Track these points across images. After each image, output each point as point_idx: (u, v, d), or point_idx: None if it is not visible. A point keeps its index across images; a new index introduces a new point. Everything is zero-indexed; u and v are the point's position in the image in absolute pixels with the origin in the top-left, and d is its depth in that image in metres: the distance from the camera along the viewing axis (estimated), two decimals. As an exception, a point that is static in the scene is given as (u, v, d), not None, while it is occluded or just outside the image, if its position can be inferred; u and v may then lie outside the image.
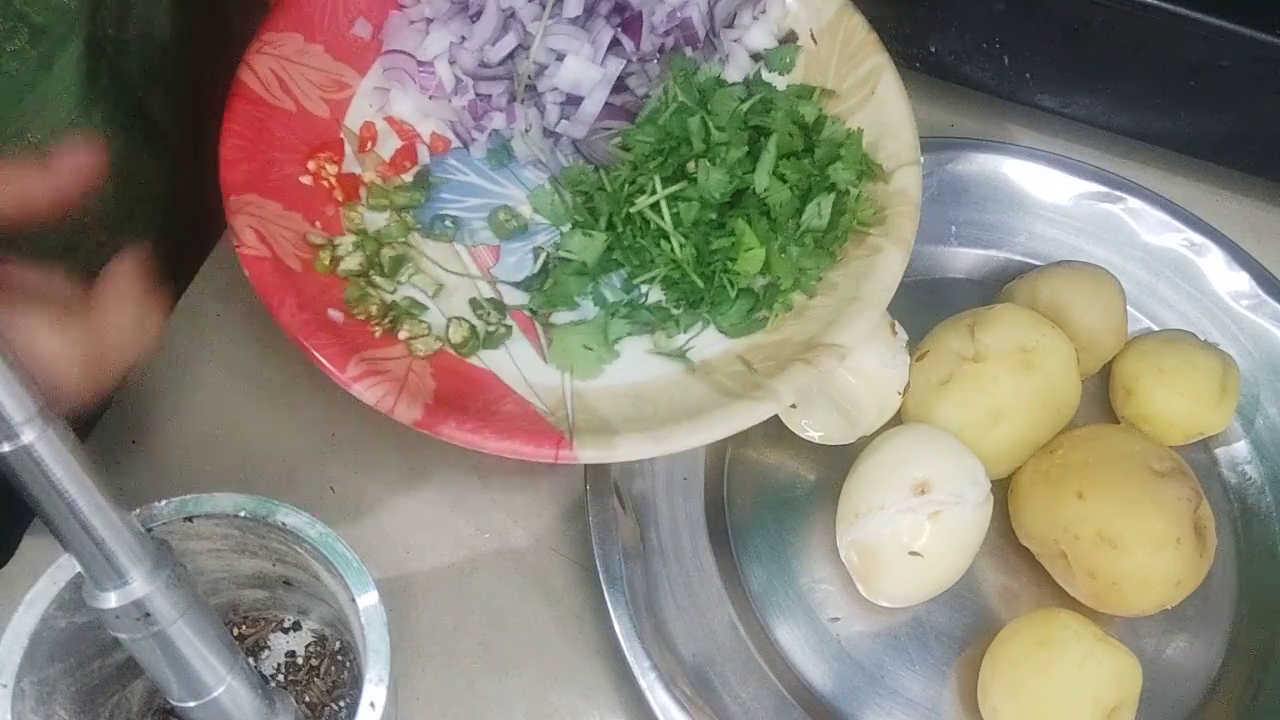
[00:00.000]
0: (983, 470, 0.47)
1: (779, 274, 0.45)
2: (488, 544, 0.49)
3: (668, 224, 0.46)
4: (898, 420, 0.51)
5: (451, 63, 0.50)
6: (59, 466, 0.28)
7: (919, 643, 0.48)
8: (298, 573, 0.40)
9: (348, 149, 0.49)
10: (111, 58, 0.47)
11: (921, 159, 0.48)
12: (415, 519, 0.49)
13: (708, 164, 0.46)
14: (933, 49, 0.58)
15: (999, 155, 0.58)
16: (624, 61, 0.49)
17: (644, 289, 0.47)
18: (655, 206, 0.46)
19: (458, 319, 0.46)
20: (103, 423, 0.49)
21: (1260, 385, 0.55)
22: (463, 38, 0.50)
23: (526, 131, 0.50)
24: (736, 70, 0.52)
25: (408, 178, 0.49)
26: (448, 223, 0.49)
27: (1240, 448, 0.54)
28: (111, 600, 0.31)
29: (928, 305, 0.54)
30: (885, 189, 0.48)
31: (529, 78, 0.50)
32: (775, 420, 0.51)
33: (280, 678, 0.42)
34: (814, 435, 0.51)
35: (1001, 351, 0.49)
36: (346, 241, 0.46)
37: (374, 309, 0.45)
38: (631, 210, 0.46)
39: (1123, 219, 0.58)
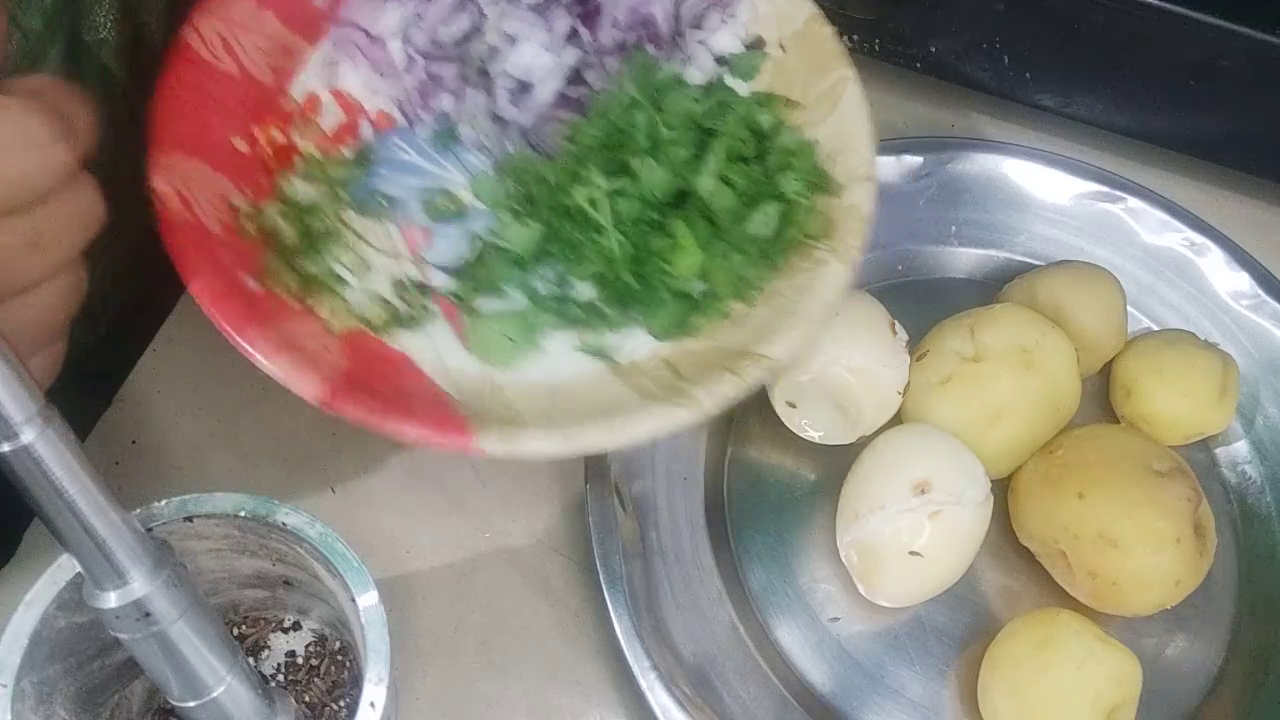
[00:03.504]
0: (983, 470, 0.47)
1: (717, 281, 0.45)
2: (488, 544, 0.49)
3: (606, 219, 0.45)
4: (897, 420, 0.51)
5: (404, 40, 0.49)
6: (59, 466, 0.28)
7: (919, 643, 0.48)
8: (298, 573, 0.40)
9: (290, 119, 0.48)
10: (99, 59, 0.47)
11: (877, 176, 0.47)
12: (415, 519, 0.49)
13: (651, 161, 0.45)
14: (933, 49, 0.59)
15: (999, 155, 0.58)
16: (580, 52, 0.49)
17: (576, 285, 0.46)
18: (594, 201, 0.45)
19: (378, 298, 0.44)
20: (103, 423, 0.49)
21: (1260, 385, 0.55)
22: (418, 15, 0.49)
23: (475, 116, 0.49)
24: (699, 72, 0.51)
25: (348, 153, 0.48)
26: (382, 200, 0.47)
27: (1240, 448, 0.54)
28: (111, 600, 0.31)
29: (928, 305, 0.54)
30: (837, 204, 0.46)
31: (481, 61, 0.49)
32: (775, 420, 0.51)
33: (280, 678, 0.42)
34: (814, 435, 0.51)
35: (1001, 351, 0.49)
36: (273, 210, 0.45)
37: (293, 282, 0.43)
38: (569, 203, 0.45)
39: (1123, 219, 0.58)
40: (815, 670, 0.47)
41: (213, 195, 0.43)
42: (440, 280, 0.46)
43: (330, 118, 0.49)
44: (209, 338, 0.52)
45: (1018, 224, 0.58)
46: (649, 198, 0.45)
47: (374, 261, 0.46)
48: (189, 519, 0.36)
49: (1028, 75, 0.58)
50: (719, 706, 0.44)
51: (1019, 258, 0.57)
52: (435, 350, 0.44)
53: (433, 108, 0.49)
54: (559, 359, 0.44)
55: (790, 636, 0.48)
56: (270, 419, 0.50)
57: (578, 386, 0.43)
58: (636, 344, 0.45)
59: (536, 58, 0.48)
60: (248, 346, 0.40)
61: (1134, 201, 0.57)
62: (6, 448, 0.28)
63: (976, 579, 0.50)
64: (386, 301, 0.45)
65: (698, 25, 0.51)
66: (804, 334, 0.43)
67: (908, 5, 0.56)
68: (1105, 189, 0.58)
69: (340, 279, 0.44)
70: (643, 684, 0.43)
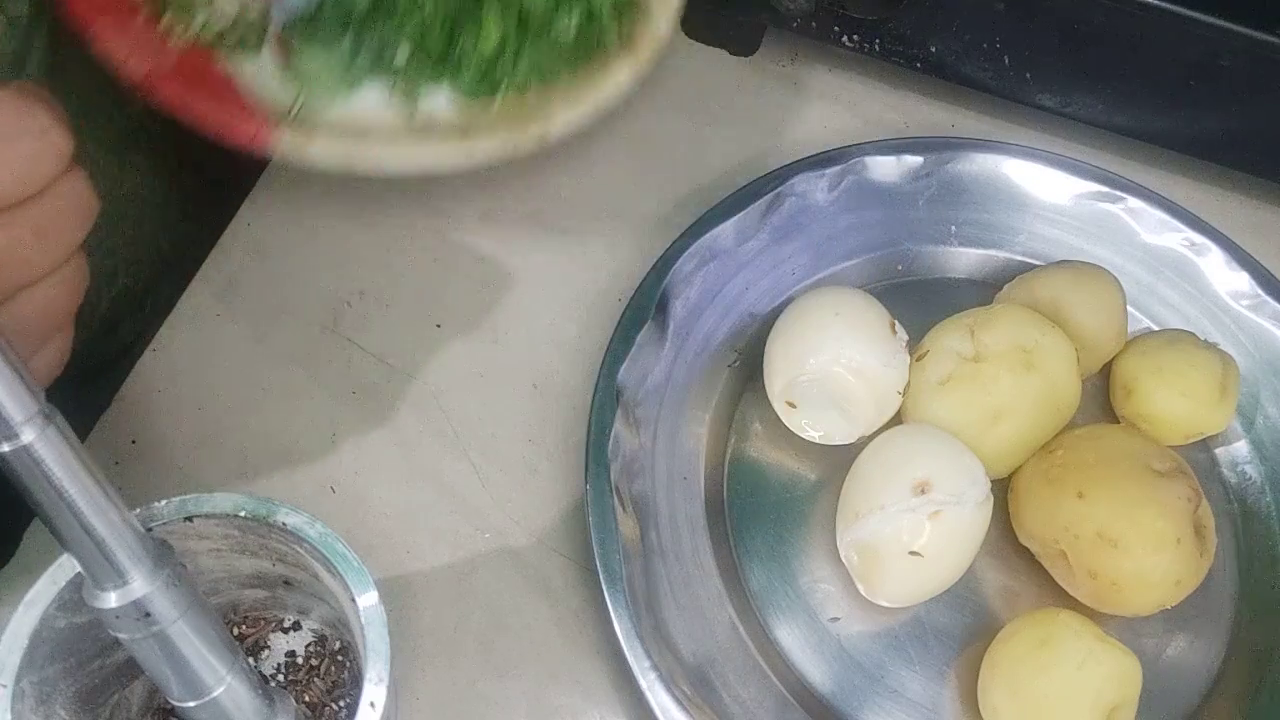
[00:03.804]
0: (983, 470, 0.47)
1: (518, 63, 0.50)
2: (488, 544, 0.49)
3: None
4: (898, 420, 0.51)
5: None
6: (59, 466, 0.28)
7: (919, 643, 0.48)
8: (298, 573, 0.40)
9: None
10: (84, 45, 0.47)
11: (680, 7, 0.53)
12: (415, 519, 0.49)
13: None
14: (933, 49, 0.58)
15: (999, 155, 0.58)
16: None
17: (397, 51, 0.50)
18: None
19: (217, 16, 0.48)
20: (103, 423, 0.49)
21: (1260, 385, 0.55)
22: None
23: None
24: None
25: None
26: None
27: (1240, 448, 0.54)
28: (111, 600, 0.31)
29: (928, 305, 0.54)
30: (642, 21, 0.52)
31: None
32: (775, 420, 0.51)
33: (280, 678, 0.42)
34: (814, 435, 0.51)
35: (1001, 351, 0.49)
36: None
37: None
38: None
39: (1123, 219, 0.58)
40: (815, 670, 0.47)
41: None
42: (280, 19, 0.50)
43: None
44: (209, 338, 0.52)
45: (1018, 224, 0.58)
46: None
47: None
48: (189, 519, 0.36)
49: (1028, 75, 0.58)
50: (719, 706, 0.44)
51: (1019, 258, 0.57)
52: (258, 75, 0.49)
53: None
54: (367, 101, 0.49)
55: (790, 636, 0.48)
56: (270, 419, 0.50)
57: (375, 123, 0.49)
58: (439, 102, 0.50)
59: None
60: (90, 27, 0.45)
61: (1134, 201, 0.57)
62: (6, 448, 0.28)
63: (976, 579, 0.50)
64: (225, 22, 0.49)
65: None
66: (582, 115, 0.50)
67: (908, 5, 0.56)
68: (1105, 189, 0.58)
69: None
70: (643, 684, 0.43)
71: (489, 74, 0.50)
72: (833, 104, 0.63)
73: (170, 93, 0.45)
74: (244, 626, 0.43)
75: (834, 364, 0.48)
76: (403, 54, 0.50)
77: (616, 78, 0.50)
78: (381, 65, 0.50)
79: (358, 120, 0.49)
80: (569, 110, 0.49)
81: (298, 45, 0.50)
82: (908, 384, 0.50)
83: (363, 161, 0.47)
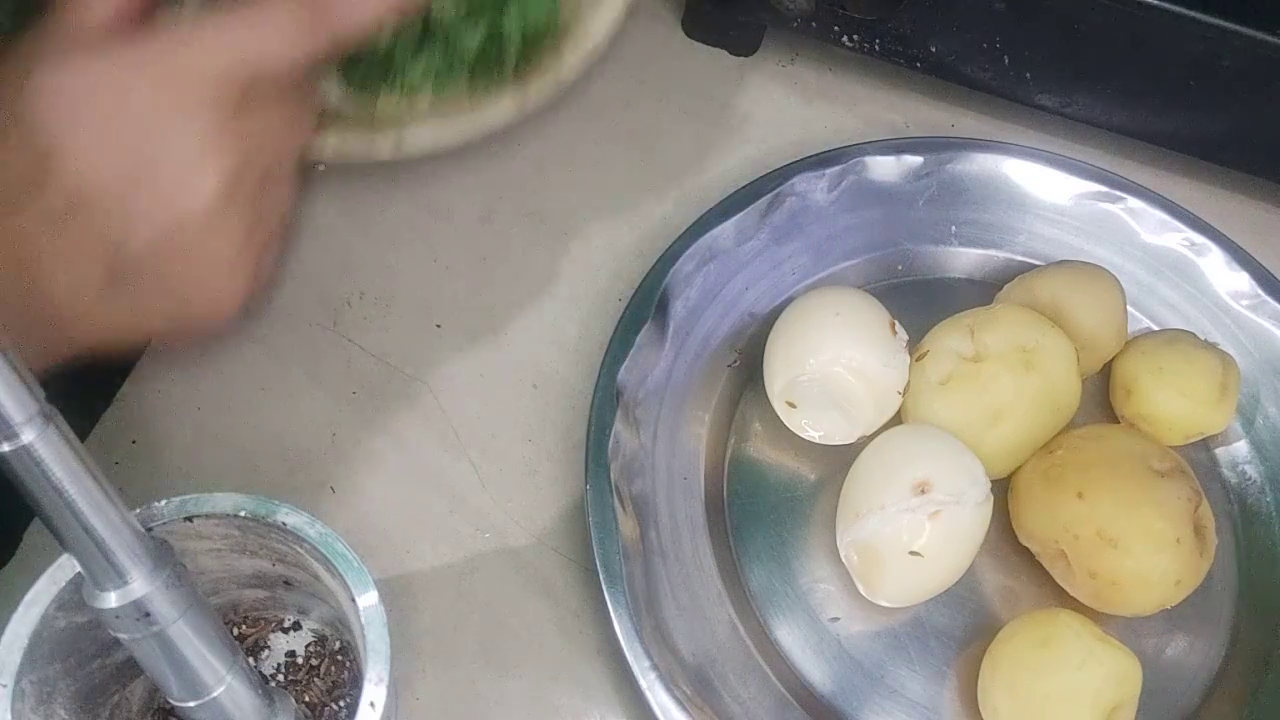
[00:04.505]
0: (983, 470, 0.47)
1: (412, 70, 0.49)
2: (488, 544, 0.49)
3: None
4: (897, 420, 0.51)
5: None
6: (59, 466, 0.28)
7: (919, 643, 0.48)
8: (298, 573, 0.40)
9: None
10: None
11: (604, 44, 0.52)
12: (415, 519, 0.49)
13: None
14: (933, 49, 0.58)
15: (999, 155, 0.58)
16: None
17: None
18: None
19: None
20: (103, 423, 0.49)
21: (1260, 385, 0.55)
22: None
23: None
24: None
25: None
26: None
27: (1240, 448, 0.54)
28: (111, 600, 0.31)
29: (928, 305, 0.54)
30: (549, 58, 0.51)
31: None
32: (775, 420, 0.51)
33: (280, 678, 0.42)
34: (814, 435, 0.51)
35: (1001, 351, 0.49)
36: None
37: None
38: None
39: (1123, 219, 0.58)
40: (815, 670, 0.47)
41: None
42: None
43: None
44: (209, 338, 0.52)
45: (1018, 224, 0.58)
46: None
47: None
48: (189, 519, 0.36)
49: (1028, 75, 0.58)
50: (719, 706, 0.44)
51: (1019, 258, 0.57)
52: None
53: None
54: None
55: (790, 636, 0.48)
56: (270, 419, 0.50)
57: None
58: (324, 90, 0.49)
59: None
60: None
61: (1134, 201, 0.57)
62: (6, 448, 0.28)
63: (976, 579, 0.50)
64: None
65: None
66: (453, 135, 0.49)
67: (908, 5, 0.56)
68: (1105, 189, 0.58)
69: None
70: (643, 684, 0.43)
71: (380, 70, 0.49)
72: (833, 104, 0.63)
73: None
74: (244, 626, 0.43)
75: (834, 364, 0.48)
76: None
77: (500, 105, 0.49)
78: None
79: None
80: (441, 127, 0.49)
81: None
82: (908, 384, 0.50)
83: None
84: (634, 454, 0.48)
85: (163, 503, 0.36)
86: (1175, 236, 0.57)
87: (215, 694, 0.33)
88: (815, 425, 0.51)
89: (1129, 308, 0.54)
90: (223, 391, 0.51)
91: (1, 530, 0.46)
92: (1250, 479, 0.53)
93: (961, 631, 0.49)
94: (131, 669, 0.39)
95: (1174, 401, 0.51)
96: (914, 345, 0.51)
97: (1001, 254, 0.58)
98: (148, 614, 0.31)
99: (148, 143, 0.37)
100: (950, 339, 0.50)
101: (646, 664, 0.43)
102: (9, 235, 0.37)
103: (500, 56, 0.49)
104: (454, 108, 0.49)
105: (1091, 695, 0.43)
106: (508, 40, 0.49)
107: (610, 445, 0.47)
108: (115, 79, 0.37)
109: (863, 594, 0.48)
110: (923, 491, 0.45)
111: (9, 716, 0.33)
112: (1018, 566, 0.50)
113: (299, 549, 0.37)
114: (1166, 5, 0.52)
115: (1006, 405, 0.49)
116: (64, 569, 0.34)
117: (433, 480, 0.50)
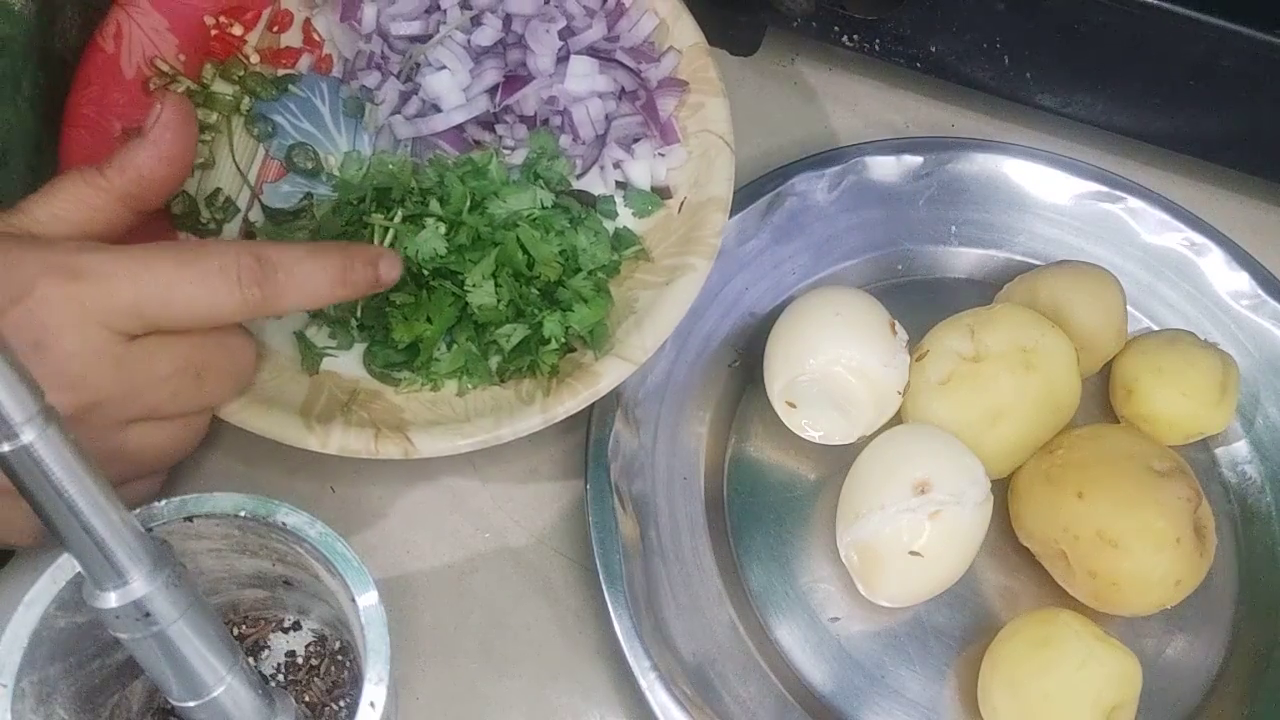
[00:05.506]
0: (983, 470, 0.47)
1: (445, 358, 0.47)
2: (488, 544, 0.49)
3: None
4: (897, 420, 0.51)
5: (377, 13, 0.52)
6: (59, 466, 0.28)
7: (919, 643, 0.48)
8: (298, 572, 0.40)
9: (261, 22, 0.53)
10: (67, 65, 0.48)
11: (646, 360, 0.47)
12: (415, 519, 0.49)
13: (435, 224, 0.47)
14: (933, 49, 0.58)
15: (999, 155, 0.58)
16: (488, 109, 0.51)
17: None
18: (373, 228, 0.47)
19: (186, 195, 0.48)
20: (103, 423, 0.49)
21: (1260, 385, 0.55)
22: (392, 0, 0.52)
23: (381, 104, 0.52)
24: (598, 182, 0.52)
25: (278, 72, 0.53)
26: (270, 126, 0.52)
27: (1240, 448, 0.54)
28: (111, 600, 0.31)
29: (928, 305, 0.54)
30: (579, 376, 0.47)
31: (414, 65, 0.51)
32: (775, 420, 0.51)
33: (280, 678, 0.42)
34: (814, 435, 0.51)
35: (1001, 351, 0.49)
36: (185, 83, 0.50)
37: None
38: (363, 220, 0.48)
39: (1123, 219, 0.58)
40: (815, 670, 0.47)
41: (149, 48, 0.50)
42: (258, 215, 0.50)
43: (289, 37, 0.54)
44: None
45: (1018, 224, 0.58)
46: (413, 256, 0.46)
47: (221, 166, 0.51)
48: (189, 519, 0.36)
49: (1028, 75, 0.58)
50: (719, 706, 0.44)
51: (1019, 258, 0.57)
52: None
53: (360, 79, 0.52)
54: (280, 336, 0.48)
55: (790, 636, 0.48)
56: (270, 419, 0.50)
57: (284, 357, 0.47)
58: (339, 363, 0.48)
59: (448, 91, 0.50)
60: (68, 157, 0.46)
61: (1134, 201, 0.57)
62: (6, 448, 0.28)
63: (976, 579, 0.50)
64: (198, 201, 0.49)
65: (625, 144, 0.52)
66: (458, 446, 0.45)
67: (908, 5, 0.56)
68: (1105, 189, 0.58)
69: None
70: (643, 684, 0.43)
71: (412, 351, 0.47)
72: (833, 104, 0.63)
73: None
74: (244, 626, 0.43)
75: (834, 364, 0.48)
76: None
77: (527, 420, 0.45)
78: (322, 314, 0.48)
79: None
80: (454, 437, 0.45)
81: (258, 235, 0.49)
82: (908, 384, 0.50)
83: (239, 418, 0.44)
84: (634, 454, 0.48)
85: (163, 503, 0.36)
86: (1175, 236, 0.57)
87: (215, 694, 0.33)
88: (815, 425, 0.51)
89: (1129, 308, 0.54)
90: (223, 391, 0.51)
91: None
92: (1250, 479, 0.53)
93: (961, 631, 0.49)
94: (131, 669, 0.39)
95: (1174, 401, 0.51)
96: (914, 345, 0.51)
97: (1001, 254, 0.58)
98: (148, 614, 0.31)
99: (30, 338, 0.35)
100: (950, 339, 0.50)
101: (646, 664, 0.43)
102: None
103: (532, 359, 0.47)
104: (476, 408, 0.46)
105: (1092, 695, 0.43)
106: (544, 341, 0.47)
107: (610, 445, 0.47)
108: (27, 273, 0.35)
109: (863, 594, 0.48)
110: (923, 491, 0.45)
111: (9, 717, 0.33)
112: (1018, 566, 0.50)
113: (299, 549, 0.37)
114: (1166, 5, 0.52)
115: (1006, 405, 0.49)
116: (64, 569, 0.34)
117: (433, 480, 0.50)
